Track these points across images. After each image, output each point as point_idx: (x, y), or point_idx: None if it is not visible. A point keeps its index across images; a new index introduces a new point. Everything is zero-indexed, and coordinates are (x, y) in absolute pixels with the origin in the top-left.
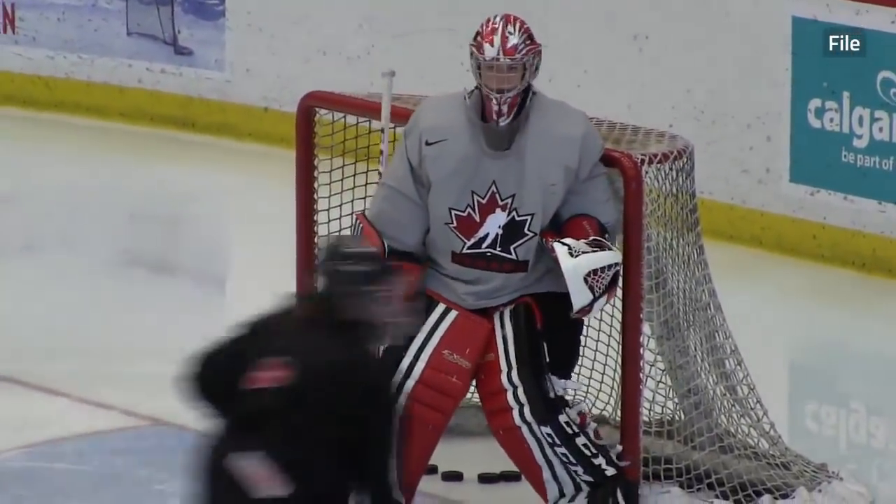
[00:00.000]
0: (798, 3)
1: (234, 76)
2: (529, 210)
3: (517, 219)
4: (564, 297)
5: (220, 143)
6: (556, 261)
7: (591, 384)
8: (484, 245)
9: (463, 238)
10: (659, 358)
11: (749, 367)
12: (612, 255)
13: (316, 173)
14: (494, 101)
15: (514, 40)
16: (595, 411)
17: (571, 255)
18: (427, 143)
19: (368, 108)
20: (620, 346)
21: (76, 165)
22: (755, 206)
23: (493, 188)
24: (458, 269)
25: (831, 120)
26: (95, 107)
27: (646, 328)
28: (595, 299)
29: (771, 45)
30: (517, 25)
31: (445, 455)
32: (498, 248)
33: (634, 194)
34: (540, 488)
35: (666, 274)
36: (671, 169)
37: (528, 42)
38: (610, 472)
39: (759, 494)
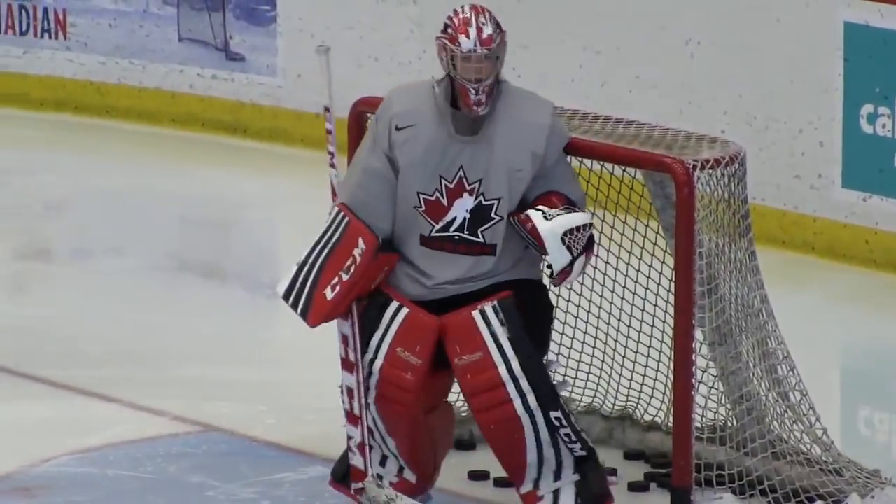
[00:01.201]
0: (850, 8)
1: (285, 82)
2: (496, 195)
3: (484, 203)
4: (533, 285)
5: (271, 149)
6: (529, 228)
7: (643, 390)
8: (452, 228)
9: (431, 221)
10: (711, 364)
11: (801, 373)
12: (585, 216)
13: None
14: (473, 91)
15: (488, 30)
16: (647, 417)
17: (546, 218)
18: (397, 128)
19: None
20: (672, 352)
21: (127, 171)
22: (807, 211)
23: (461, 173)
24: (426, 252)
25: (883, 126)
26: (147, 112)
27: (698, 334)
28: (573, 259)
29: (823, 50)
30: (488, 15)
31: (497, 462)
32: (466, 232)
33: (686, 200)
34: (520, 473)
35: (718, 280)
36: (723, 175)
37: (498, 31)
38: (590, 443)
39: (811, 501)
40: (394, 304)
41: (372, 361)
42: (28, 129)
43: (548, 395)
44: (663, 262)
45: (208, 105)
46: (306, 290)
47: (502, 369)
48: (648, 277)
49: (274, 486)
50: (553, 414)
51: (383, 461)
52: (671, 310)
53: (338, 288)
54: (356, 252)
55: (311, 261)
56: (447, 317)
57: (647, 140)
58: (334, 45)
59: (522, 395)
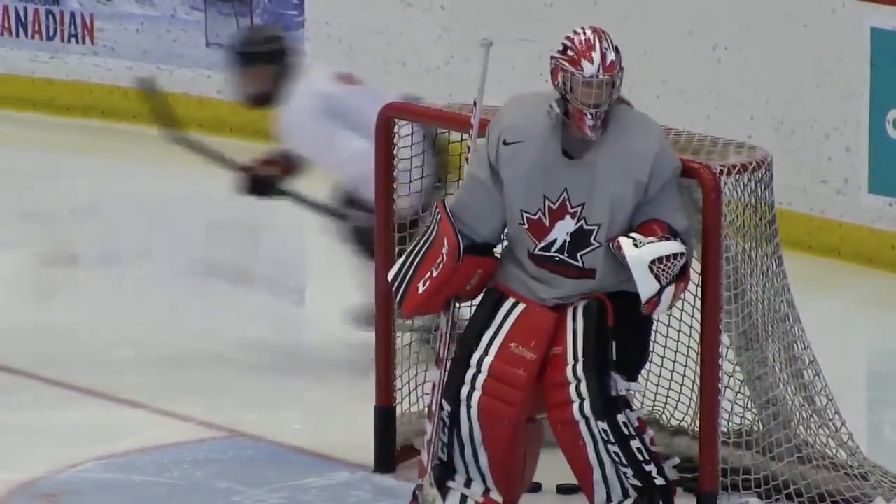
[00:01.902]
0: (877, 14)
1: None
2: (597, 220)
3: (585, 227)
4: (635, 298)
5: None
6: (621, 255)
7: (670, 395)
8: (552, 249)
9: (534, 240)
10: (737, 368)
11: (827, 378)
12: (678, 245)
13: (395, 184)
14: (589, 115)
15: (611, 56)
16: (674, 422)
17: (636, 245)
18: (505, 143)
19: (447, 119)
20: (699, 357)
21: (155, 176)
22: (834, 216)
23: (565, 195)
24: (533, 268)
25: None
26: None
27: (724, 339)
28: (662, 288)
29: (849, 55)
30: (610, 41)
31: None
32: (566, 254)
33: (713, 205)
34: (588, 489)
35: (745, 285)
36: (750, 179)
37: (619, 57)
38: (659, 481)
39: None
40: (510, 301)
41: (481, 359)
42: (55, 134)
43: (600, 404)
44: (690, 267)
45: (236, 110)
46: (406, 280)
47: (569, 368)
48: None
49: (300, 492)
50: (600, 424)
51: (468, 483)
52: (698, 314)
53: (428, 283)
54: (444, 251)
55: (414, 251)
56: None
57: (674, 145)
58: (361, 49)
59: (581, 399)
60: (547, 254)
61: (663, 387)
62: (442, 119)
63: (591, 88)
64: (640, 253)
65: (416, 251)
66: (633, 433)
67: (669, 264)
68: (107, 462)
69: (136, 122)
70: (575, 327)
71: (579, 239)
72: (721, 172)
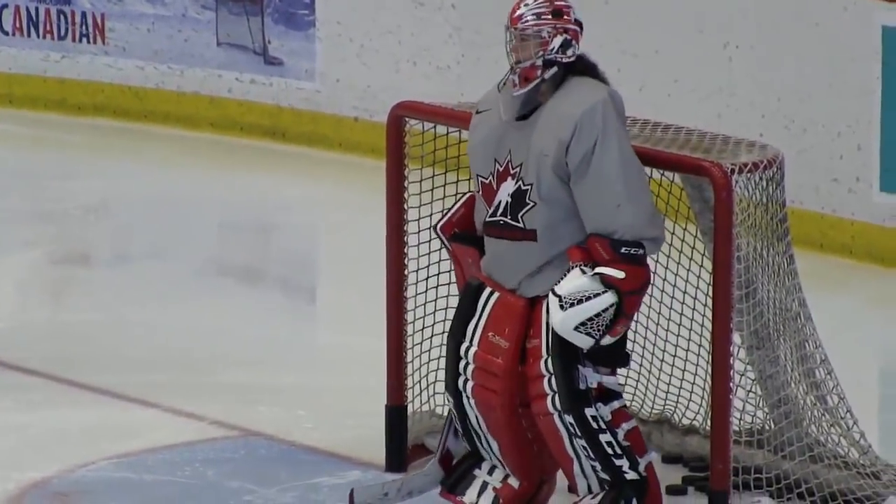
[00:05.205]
0: (888, 12)
1: (324, 86)
2: (530, 180)
3: (522, 187)
4: None
5: (310, 154)
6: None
7: (682, 394)
8: (499, 213)
9: (487, 206)
10: (749, 367)
11: (839, 377)
12: (602, 301)
13: (406, 183)
14: (512, 70)
15: (521, 10)
16: (685, 421)
17: (562, 307)
18: (477, 112)
19: (458, 118)
20: (710, 356)
21: (166, 175)
22: (845, 215)
23: (509, 157)
24: (487, 240)
25: None
26: (185, 117)
27: (736, 338)
28: (597, 341)
29: (861, 53)
30: (541, 2)
31: None
32: (508, 216)
33: (724, 204)
34: (571, 480)
35: (756, 283)
36: (761, 178)
37: (542, 15)
38: (630, 475)
39: None
40: (487, 289)
41: (468, 350)
42: (67, 134)
43: (565, 397)
44: (701, 266)
45: (247, 110)
46: None
47: (542, 362)
48: (686, 281)
49: (312, 491)
50: (567, 418)
51: (492, 470)
52: (709, 313)
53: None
54: None
55: None
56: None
57: (686, 144)
58: (373, 49)
59: (553, 392)
60: (495, 218)
61: (675, 386)
62: (453, 118)
63: (509, 42)
64: (563, 318)
65: None
66: (604, 427)
67: (598, 320)
68: (119, 461)
69: (148, 122)
70: (549, 320)
71: (518, 199)
72: (732, 171)
